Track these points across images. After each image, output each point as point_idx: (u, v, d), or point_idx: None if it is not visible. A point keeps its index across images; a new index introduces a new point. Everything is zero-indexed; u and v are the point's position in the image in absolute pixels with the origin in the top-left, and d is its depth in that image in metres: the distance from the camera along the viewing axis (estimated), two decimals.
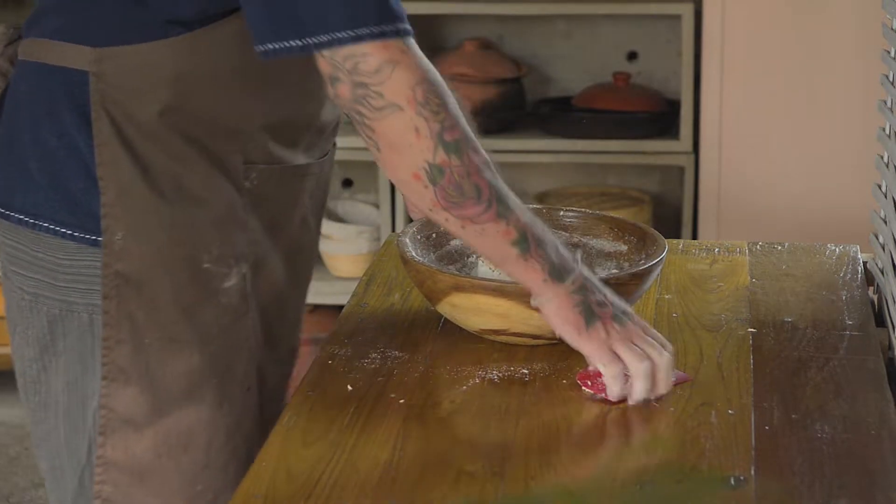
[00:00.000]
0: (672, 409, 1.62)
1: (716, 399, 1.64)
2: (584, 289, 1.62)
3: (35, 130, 1.68)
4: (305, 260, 1.88)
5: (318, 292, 3.68)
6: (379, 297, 1.94)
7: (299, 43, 1.52)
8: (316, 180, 1.83)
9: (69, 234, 1.67)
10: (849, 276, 2.00)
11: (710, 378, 1.69)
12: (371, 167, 3.77)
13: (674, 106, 3.75)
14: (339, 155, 1.94)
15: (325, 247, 3.77)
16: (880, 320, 1.93)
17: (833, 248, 2.10)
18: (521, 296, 1.67)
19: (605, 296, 1.64)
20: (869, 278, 2.02)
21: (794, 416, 1.61)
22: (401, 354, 1.76)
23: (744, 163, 3.49)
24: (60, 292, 1.70)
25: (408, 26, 1.53)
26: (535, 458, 1.53)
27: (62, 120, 1.66)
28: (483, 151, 1.59)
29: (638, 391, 1.61)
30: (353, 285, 2.01)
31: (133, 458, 1.71)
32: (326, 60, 1.53)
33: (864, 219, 2.20)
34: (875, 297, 2.01)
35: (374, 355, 1.76)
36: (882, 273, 1.98)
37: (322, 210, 1.89)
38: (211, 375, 1.72)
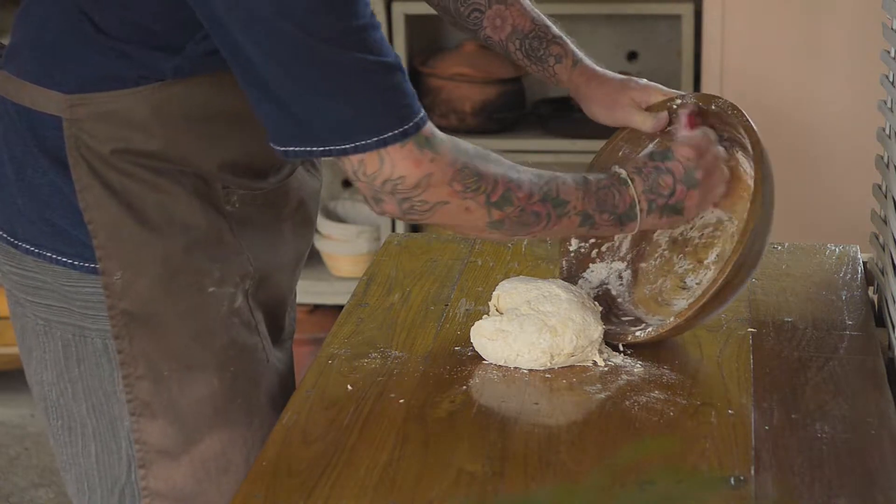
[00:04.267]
0: (672, 409, 1.62)
1: (716, 399, 1.64)
2: (652, 203, 1.72)
3: (17, 169, 1.67)
4: (302, 261, 1.88)
5: (318, 292, 3.68)
6: (379, 297, 1.94)
7: (321, 149, 1.54)
8: (302, 185, 1.82)
9: (70, 262, 1.67)
10: (849, 276, 2.00)
11: (710, 378, 1.69)
12: None
13: None
14: None
15: (325, 247, 3.77)
16: (880, 320, 1.93)
17: (833, 248, 2.10)
18: None
19: (656, 176, 1.73)
20: (869, 278, 2.02)
21: (794, 416, 1.60)
22: (401, 354, 1.76)
23: None
24: (74, 317, 1.69)
25: (423, 113, 1.56)
26: (535, 458, 1.53)
27: (39, 162, 1.66)
28: (519, 170, 1.68)
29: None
30: (353, 285, 2.01)
31: (175, 487, 1.71)
32: (365, 184, 1.57)
33: (864, 219, 2.20)
34: (875, 297, 2.01)
35: (374, 355, 1.76)
36: (882, 273, 1.97)
37: (317, 208, 1.88)
38: (235, 395, 1.72)
